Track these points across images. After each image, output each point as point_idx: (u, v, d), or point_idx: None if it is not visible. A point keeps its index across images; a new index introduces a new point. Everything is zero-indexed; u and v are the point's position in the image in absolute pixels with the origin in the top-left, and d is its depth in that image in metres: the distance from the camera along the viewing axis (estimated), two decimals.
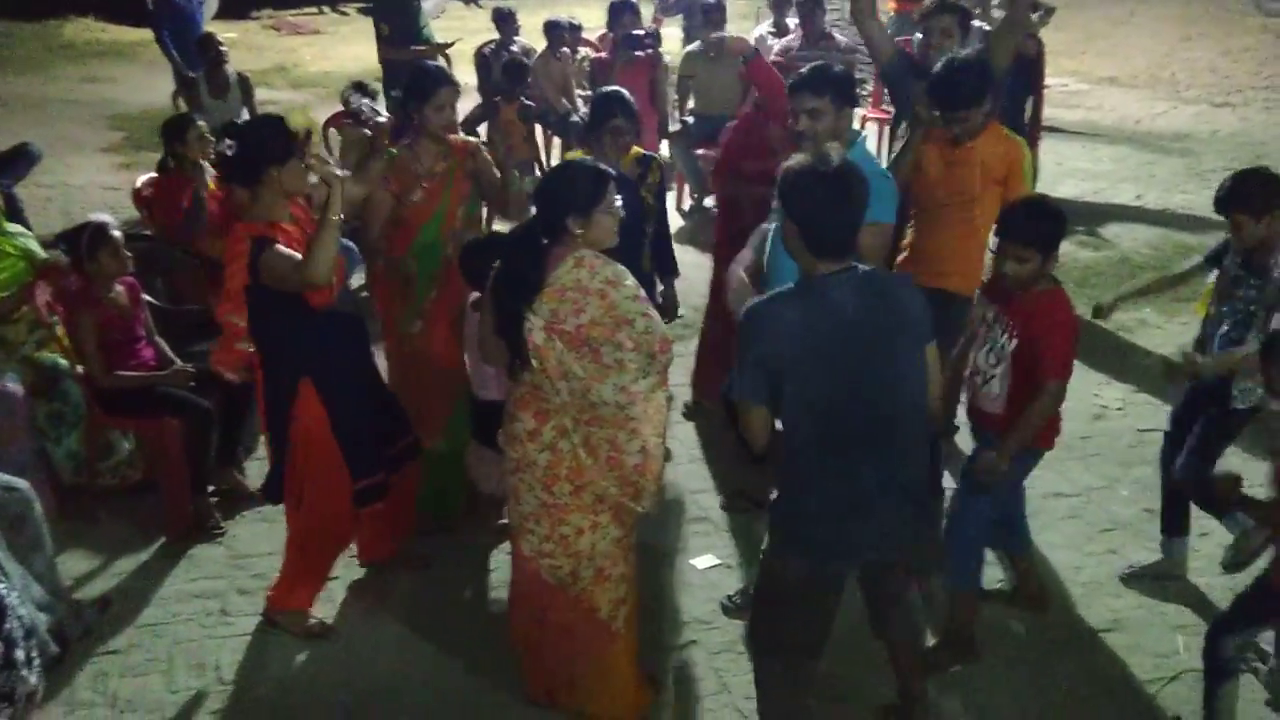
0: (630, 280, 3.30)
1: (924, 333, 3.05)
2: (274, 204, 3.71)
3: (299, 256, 3.54)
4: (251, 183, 3.70)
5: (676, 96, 8.79)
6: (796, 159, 3.03)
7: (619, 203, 3.33)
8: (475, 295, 4.12)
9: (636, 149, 4.82)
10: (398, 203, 4.41)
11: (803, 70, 4.14)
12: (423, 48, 8.08)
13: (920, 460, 3.14)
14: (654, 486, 3.40)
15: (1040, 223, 3.62)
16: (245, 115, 7.94)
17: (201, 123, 6.03)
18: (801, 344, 2.88)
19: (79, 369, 4.78)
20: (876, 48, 5.17)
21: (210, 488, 4.89)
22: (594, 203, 3.25)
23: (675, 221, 8.45)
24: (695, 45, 8.61)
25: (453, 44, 8.41)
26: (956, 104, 4.31)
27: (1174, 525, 4.42)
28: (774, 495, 3.16)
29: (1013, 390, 3.68)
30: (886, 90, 5.15)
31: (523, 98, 8.33)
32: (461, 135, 4.81)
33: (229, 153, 3.69)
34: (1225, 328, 4.09)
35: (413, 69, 4.61)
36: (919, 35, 5.13)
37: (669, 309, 4.90)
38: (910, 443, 3.06)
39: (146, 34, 15.46)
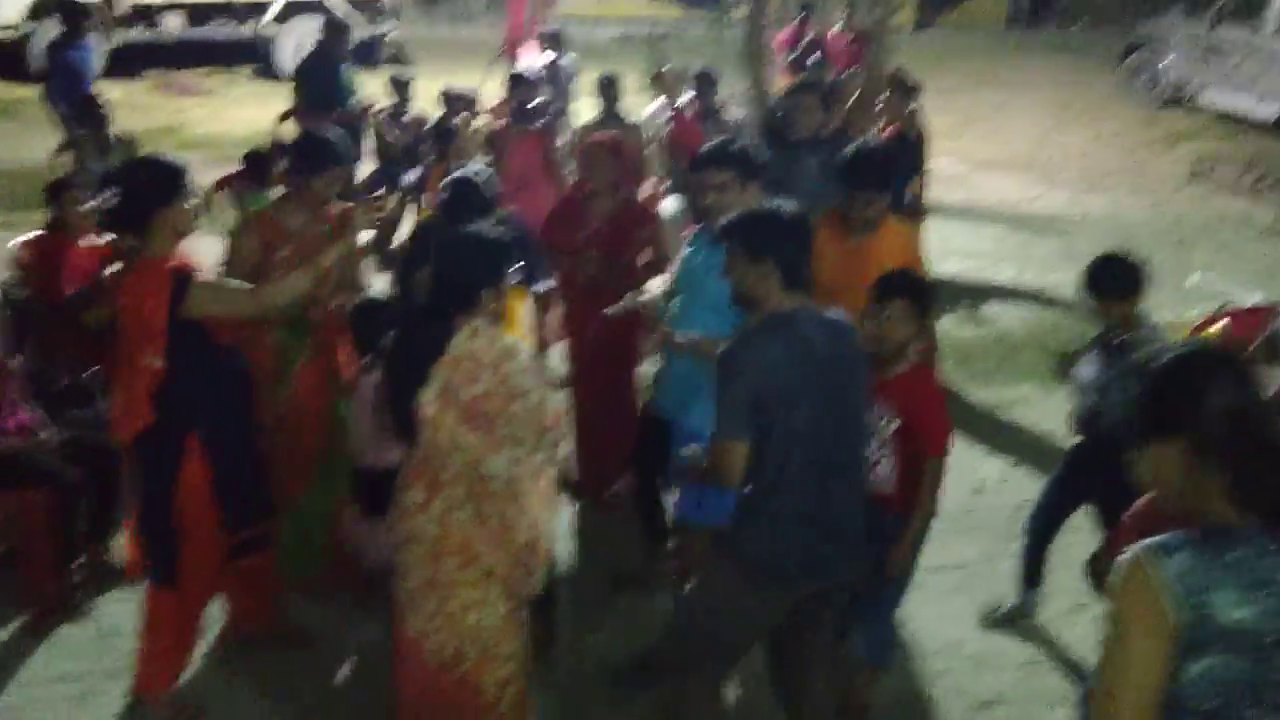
0: (524, 353, 3.31)
1: (866, 368, 3.40)
2: (166, 246, 3.60)
3: (242, 284, 3.53)
4: (140, 228, 3.58)
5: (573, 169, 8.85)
6: (752, 205, 3.41)
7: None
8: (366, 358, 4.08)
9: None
10: (262, 257, 4.32)
11: (704, 148, 4.27)
12: (341, 112, 8.06)
13: (863, 489, 3.41)
14: (542, 564, 3.37)
15: (909, 281, 3.83)
16: None
17: (82, 184, 5.88)
18: (786, 375, 3.10)
19: None
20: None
21: (78, 562, 4.68)
22: (504, 273, 3.29)
23: None
24: (594, 117, 8.63)
25: (370, 107, 8.42)
26: (865, 185, 4.42)
27: (1032, 578, 4.68)
28: (735, 527, 3.27)
29: (901, 470, 3.76)
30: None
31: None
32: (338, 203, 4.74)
33: (113, 201, 3.59)
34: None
35: (307, 136, 4.58)
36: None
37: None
38: (863, 471, 3.42)
39: (25, 91, 15.14)
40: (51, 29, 15.22)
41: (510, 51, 11.58)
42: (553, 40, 11.22)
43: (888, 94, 7.69)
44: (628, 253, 5.07)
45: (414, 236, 4.89)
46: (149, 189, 3.58)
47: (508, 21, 12.10)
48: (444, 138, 8.26)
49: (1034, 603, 4.72)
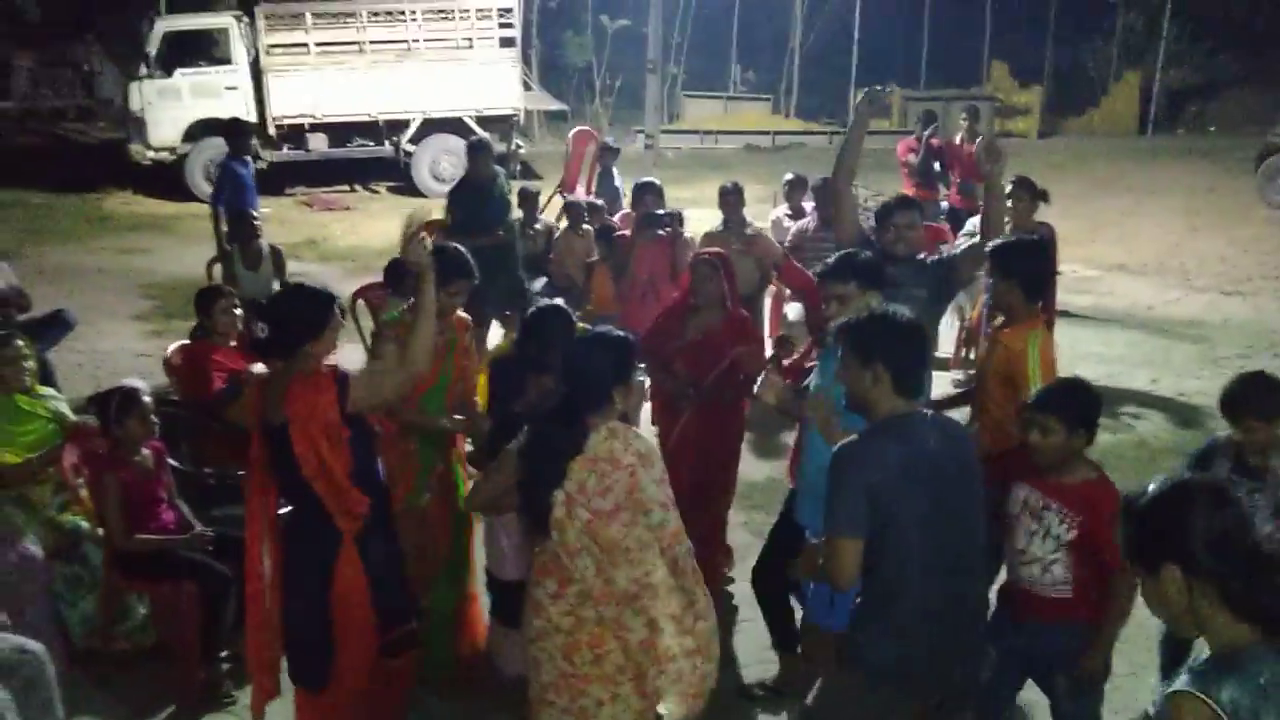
0: (659, 462, 3.36)
1: (978, 469, 3.32)
2: (311, 365, 3.72)
3: (383, 368, 3.71)
4: (289, 356, 3.69)
5: None
6: (864, 311, 3.40)
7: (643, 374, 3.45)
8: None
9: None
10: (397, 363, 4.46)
11: (829, 260, 4.32)
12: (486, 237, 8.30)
13: (980, 592, 3.41)
14: (675, 685, 3.32)
15: (1068, 396, 3.71)
16: (276, 287, 8.17)
17: (233, 293, 6.21)
18: (903, 476, 3.09)
19: (99, 531, 4.79)
20: (842, 222, 5.27)
21: (224, 653, 4.83)
22: (632, 370, 3.39)
23: None
24: (716, 226, 8.79)
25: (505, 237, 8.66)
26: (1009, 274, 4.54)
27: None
28: (854, 635, 3.26)
29: (1077, 574, 3.67)
30: None
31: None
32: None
33: (261, 335, 3.71)
34: None
35: (436, 250, 4.71)
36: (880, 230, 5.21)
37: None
38: (976, 572, 3.37)
39: (183, 207, 16.10)
40: (208, 150, 16.38)
41: (564, 190, 12.16)
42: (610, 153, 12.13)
43: (1013, 200, 7.63)
44: (715, 367, 5.16)
45: (492, 374, 4.84)
46: (300, 322, 3.67)
47: (567, 166, 12.70)
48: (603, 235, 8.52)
49: None
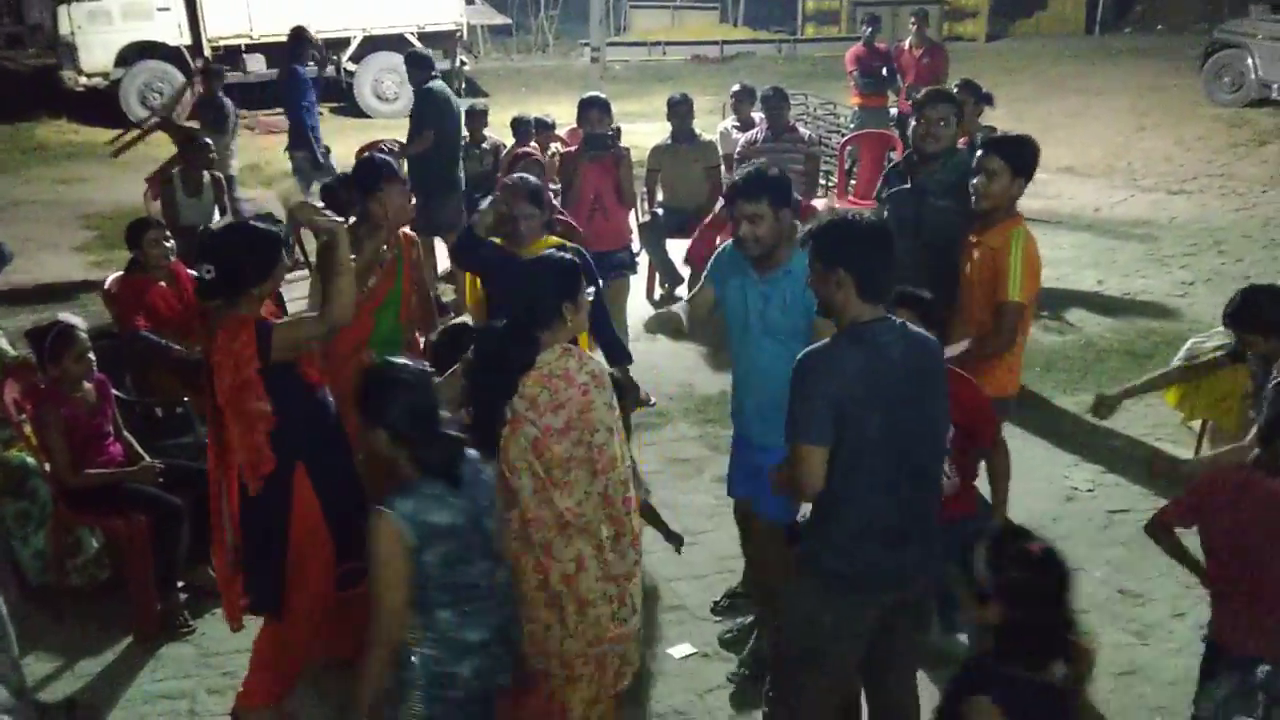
0: (610, 385, 3.39)
1: (945, 381, 3.34)
2: (254, 307, 3.66)
3: (304, 315, 3.62)
4: (234, 298, 3.64)
5: (645, 189, 8.92)
6: (831, 212, 3.33)
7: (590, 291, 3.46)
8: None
9: (552, 238, 4.85)
10: None
11: (736, 178, 4.07)
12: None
13: (938, 498, 3.40)
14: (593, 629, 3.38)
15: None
16: (218, 214, 8.04)
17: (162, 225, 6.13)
18: (864, 385, 3.08)
19: (46, 467, 4.73)
20: None
21: (180, 584, 4.82)
22: (580, 288, 3.40)
23: (647, 311, 8.50)
24: (663, 140, 8.76)
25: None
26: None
27: None
28: (806, 543, 3.35)
29: (961, 473, 4.02)
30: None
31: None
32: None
33: (206, 277, 3.63)
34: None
35: (361, 161, 4.65)
36: (913, 122, 5.21)
37: (629, 392, 4.87)
38: (937, 481, 3.39)
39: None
40: (142, 74, 15.94)
41: None
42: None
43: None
44: None
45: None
46: (246, 265, 3.62)
47: None
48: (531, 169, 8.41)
49: None
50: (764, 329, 4.00)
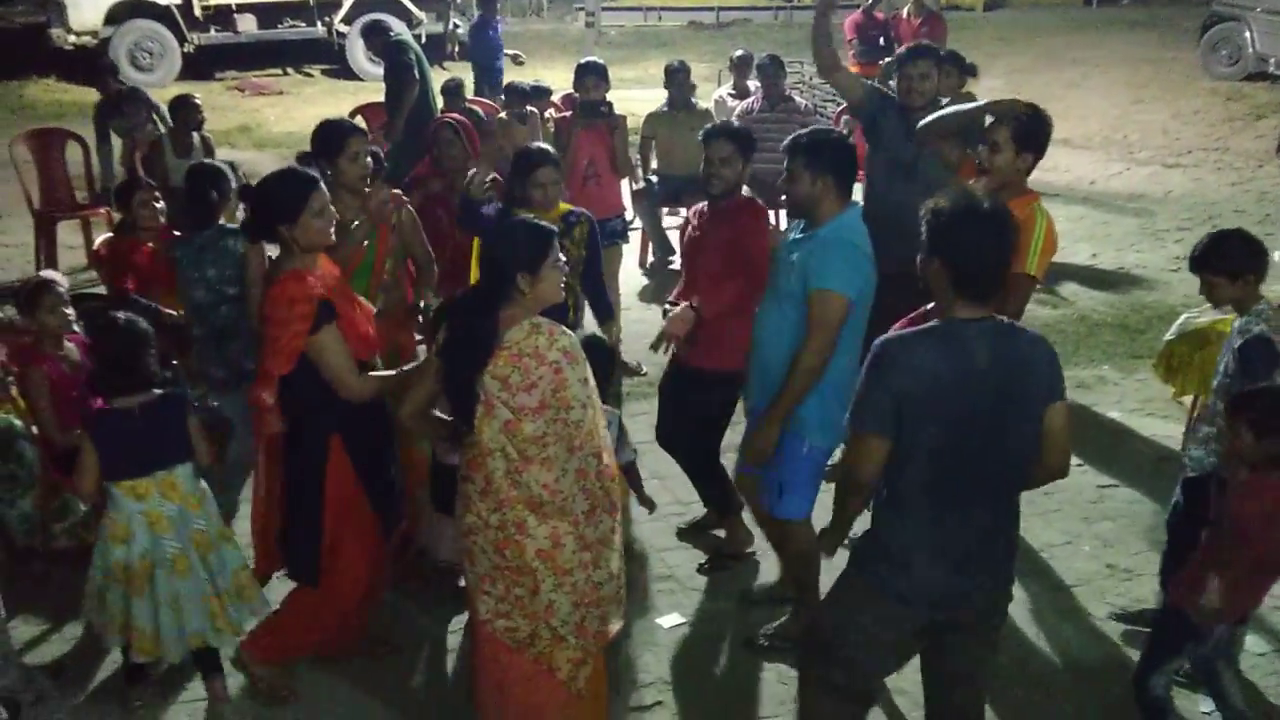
0: (583, 360, 3.31)
1: (1052, 391, 2.95)
2: (297, 257, 3.67)
3: (349, 359, 3.63)
4: (271, 239, 3.75)
5: (639, 157, 8.87)
6: (946, 198, 2.98)
7: (563, 259, 3.36)
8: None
9: (564, 205, 4.87)
10: None
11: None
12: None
13: (1016, 515, 3.13)
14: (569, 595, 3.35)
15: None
16: None
17: (152, 185, 6.05)
18: (931, 385, 2.83)
19: (34, 429, 4.70)
20: (847, 91, 5.47)
21: None
22: (541, 259, 3.26)
23: (639, 281, 8.50)
24: (659, 107, 8.70)
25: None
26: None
27: None
28: (864, 539, 3.13)
29: None
30: (864, 130, 5.34)
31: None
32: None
33: (246, 215, 3.82)
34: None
35: (320, 125, 4.55)
36: (891, 84, 5.29)
37: (616, 359, 4.88)
38: (1013, 498, 3.08)
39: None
40: (132, 32, 15.76)
41: None
42: None
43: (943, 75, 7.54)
44: None
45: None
46: (271, 208, 3.68)
47: None
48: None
49: None
50: (774, 290, 4.08)
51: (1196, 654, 3.71)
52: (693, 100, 8.64)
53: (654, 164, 8.79)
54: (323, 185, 3.75)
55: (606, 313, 5.07)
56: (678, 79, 8.48)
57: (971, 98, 7.13)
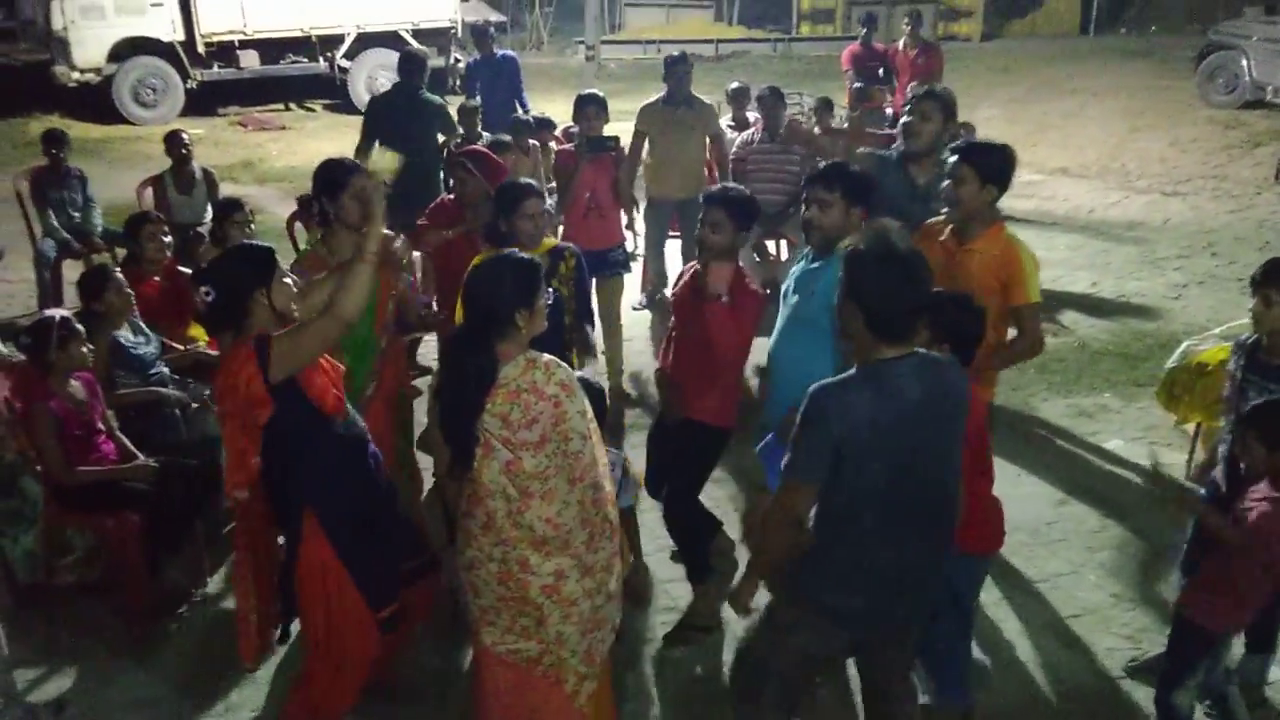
0: (580, 392, 3.31)
1: (964, 419, 3.13)
2: (268, 325, 3.40)
3: (310, 320, 3.37)
4: (240, 319, 3.37)
5: (631, 151, 7.72)
6: (858, 240, 3.04)
7: (549, 294, 3.38)
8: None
9: (550, 240, 4.85)
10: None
11: (822, 165, 4.48)
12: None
13: (951, 535, 3.23)
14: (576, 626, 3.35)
15: None
16: (210, 211, 7.95)
17: (160, 219, 6.09)
18: (870, 429, 2.90)
19: (38, 466, 4.70)
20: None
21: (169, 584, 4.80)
22: (537, 292, 3.27)
23: (644, 313, 8.38)
24: (654, 100, 7.98)
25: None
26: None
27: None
28: (800, 563, 3.17)
29: None
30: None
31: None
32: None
33: (207, 300, 3.35)
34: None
35: (322, 164, 4.48)
36: (903, 120, 5.23)
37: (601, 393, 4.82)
38: (950, 521, 3.18)
39: (112, 130, 15.64)
40: (135, 70, 15.87)
41: None
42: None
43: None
44: None
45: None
46: (242, 282, 3.38)
47: None
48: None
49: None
50: (791, 313, 4.20)
51: (1211, 675, 3.78)
52: (693, 96, 7.93)
53: (646, 185, 8.16)
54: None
55: (586, 346, 4.90)
56: (678, 71, 7.73)
57: (969, 129, 7.19)
